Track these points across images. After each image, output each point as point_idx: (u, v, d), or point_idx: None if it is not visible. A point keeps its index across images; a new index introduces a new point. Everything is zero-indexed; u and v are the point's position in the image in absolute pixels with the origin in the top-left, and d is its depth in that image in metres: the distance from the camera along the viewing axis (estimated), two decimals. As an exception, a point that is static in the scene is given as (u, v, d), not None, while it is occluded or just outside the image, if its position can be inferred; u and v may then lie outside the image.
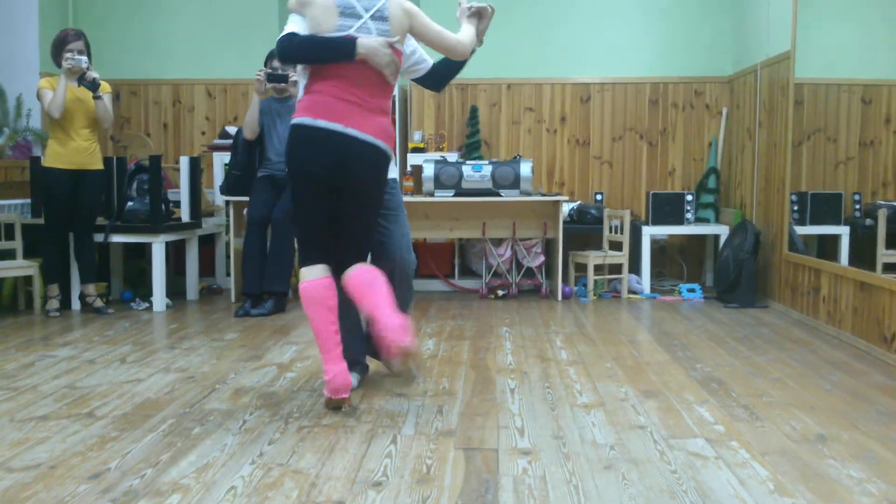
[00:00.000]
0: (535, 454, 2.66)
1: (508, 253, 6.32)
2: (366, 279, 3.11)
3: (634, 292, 6.30)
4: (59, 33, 5.20)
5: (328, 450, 2.70)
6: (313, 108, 3.16)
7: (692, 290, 6.16)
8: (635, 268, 6.45)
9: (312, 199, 3.18)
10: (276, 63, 5.45)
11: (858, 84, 4.64)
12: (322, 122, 3.12)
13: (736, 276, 5.77)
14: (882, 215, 4.25)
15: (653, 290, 6.43)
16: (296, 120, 3.20)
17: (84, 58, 5.10)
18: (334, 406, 3.15)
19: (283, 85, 5.43)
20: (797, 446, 2.75)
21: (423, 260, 6.64)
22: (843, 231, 4.77)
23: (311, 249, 3.22)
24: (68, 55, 5.07)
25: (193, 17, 7.19)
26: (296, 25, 3.19)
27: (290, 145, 3.21)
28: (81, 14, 7.15)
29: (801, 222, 5.29)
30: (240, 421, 3.02)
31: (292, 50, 3.15)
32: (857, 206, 4.56)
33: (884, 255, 4.27)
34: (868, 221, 4.42)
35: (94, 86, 5.11)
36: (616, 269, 6.29)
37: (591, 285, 6.08)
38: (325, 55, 3.14)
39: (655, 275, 6.86)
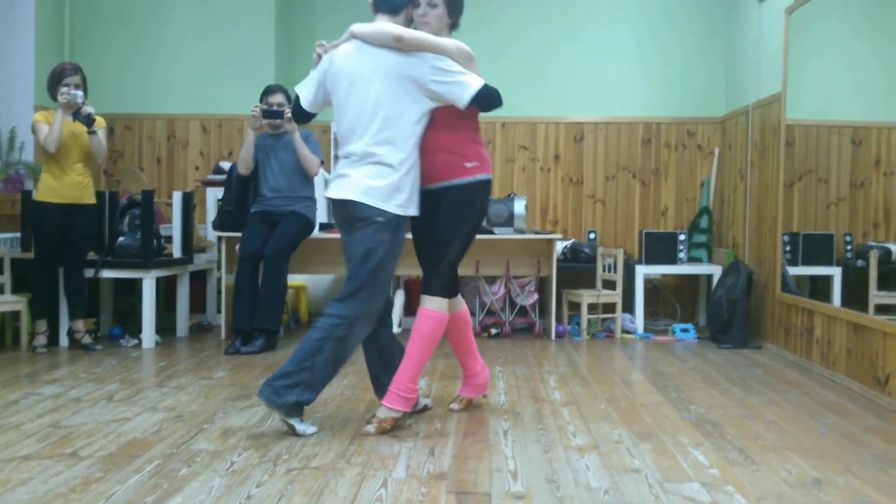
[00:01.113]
0: (528, 498, 2.62)
1: (502, 291, 6.30)
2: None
3: (628, 332, 6.27)
4: (55, 67, 5.21)
5: (317, 493, 2.65)
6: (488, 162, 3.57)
7: (685, 330, 6.14)
8: (629, 307, 6.43)
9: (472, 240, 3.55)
10: (272, 99, 5.47)
11: (848, 126, 4.67)
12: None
13: (729, 317, 5.75)
14: (873, 256, 4.25)
15: (646, 329, 6.41)
16: (489, 176, 3.54)
17: (80, 92, 5.10)
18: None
19: (278, 121, 5.44)
20: (793, 491, 2.72)
21: (416, 297, 6.61)
22: (836, 272, 4.77)
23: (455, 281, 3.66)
24: (64, 90, 5.07)
25: (189, 52, 7.21)
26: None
27: (486, 196, 3.54)
28: (77, 47, 7.17)
29: (794, 263, 5.29)
30: (227, 462, 2.97)
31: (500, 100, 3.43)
32: (849, 247, 4.57)
33: (876, 296, 4.26)
34: (860, 262, 4.42)
35: (88, 121, 5.11)
36: (610, 308, 6.27)
37: (584, 324, 6.05)
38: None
39: (649, 314, 6.84)
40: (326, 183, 6.98)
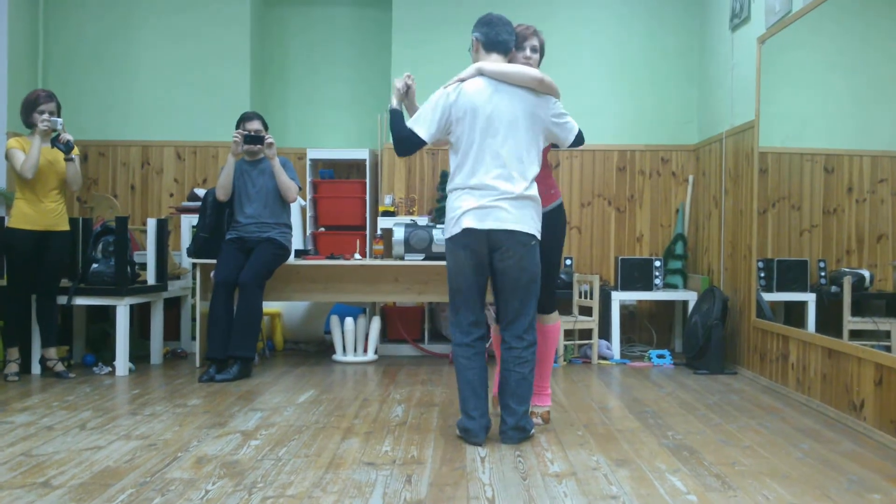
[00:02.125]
0: (506, 526, 2.60)
1: (478, 317, 6.28)
2: None
3: (604, 358, 6.28)
4: (29, 94, 5.18)
5: (293, 521, 2.62)
6: None
7: (662, 356, 6.15)
8: (605, 333, 6.45)
9: None
10: (249, 125, 5.47)
11: (821, 153, 4.73)
12: None
13: (705, 343, 5.78)
14: (847, 283, 4.29)
15: (623, 355, 6.42)
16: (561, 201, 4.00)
17: (60, 119, 5.08)
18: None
19: (258, 147, 5.44)
20: (771, 517, 2.72)
21: (392, 324, 6.59)
22: (810, 298, 4.80)
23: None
24: (45, 116, 5.04)
25: (164, 79, 7.20)
26: None
27: (565, 222, 4.06)
28: (51, 73, 7.14)
29: (769, 289, 5.33)
30: (202, 491, 2.93)
31: None
32: (823, 273, 4.61)
33: (850, 321, 4.29)
34: (834, 288, 4.46)
35: (67, 148, 5.08)
36: (586, 334, 6.28)
37: (561, 350, 6.05)
38: None
39: (625, 340, 6.86)
40: (303, 210, 6.99)
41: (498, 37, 3.70)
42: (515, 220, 3.58)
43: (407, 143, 3.68)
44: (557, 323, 4.10)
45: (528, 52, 3.82)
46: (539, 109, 3.65)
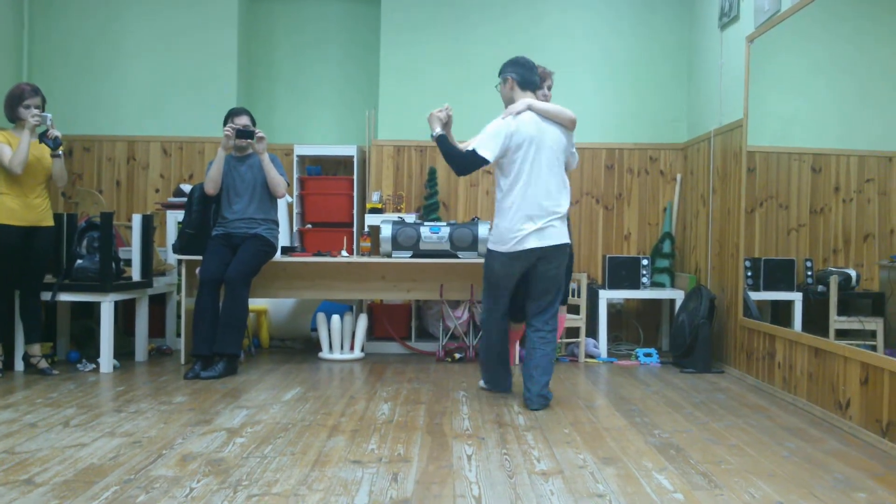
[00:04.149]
0: (492, 524, 2.59)
1: (466, 315, 6.29)
2: None
3: (591, 356, 6.28)
4: (13, 88, 5.13)
5: (278, 520, 2.60)
6: None
7: (648, 355, 6.16)
8: (592, 331, 6.45)
9: None
10: (238, 120, 5.44)
11: (808, 153, 4.74)
12: None
13: (692, 341, 5.79)
14: (833, 282, 4.29)
15: (610, 354, 6.43)
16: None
17: (49, 115, 5.04)
18: None
19: (249, 141, 5.42)
20: (757, 516, 2.71)
21: (379, 322, 6.57)
22: (797, 297, 4.81)
23: None
24: (35, 111, 4.99)
25: (150, 74, 7.16)
26: None
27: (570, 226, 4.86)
28: (36, 67, 7.09)
29: (756, 288, 5.34)
30: (186, 489, 2.90)
31: None
32: (809, 273, 4.61)
33: (836, 321, 4.30)
34: (820, 288, 4.47)
35: (55, 143, 5.04)
36: (573, 332, 6.28)
37: (547, 349, 6.04)
38: None
39: (612, 339, 6.87)
40: (290, 206, 6.96)
41: (531, 78, 4.52)
42: (561, 235, 4.42)
43: (471, 162, 4.38)
44: (564, 315, 4.98)
45: (545, 91, 4.79)
46: (567, 142, 4.51)
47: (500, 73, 4.59)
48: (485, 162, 4.37)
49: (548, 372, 4.43)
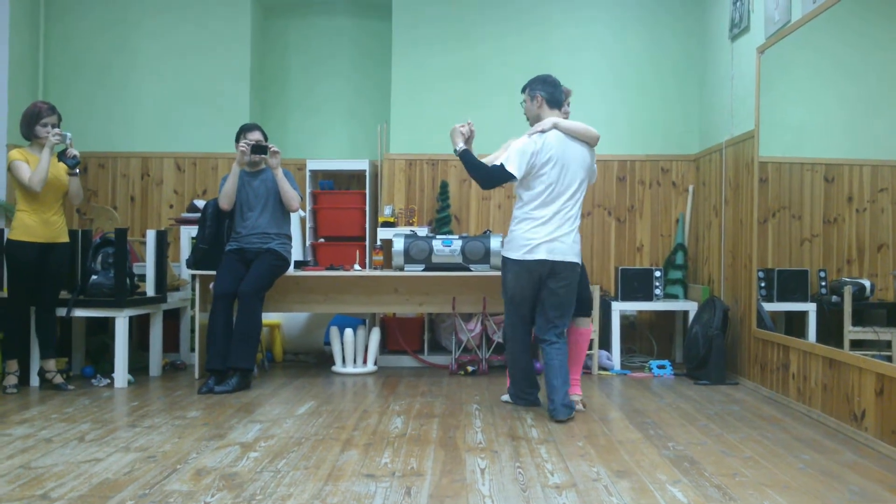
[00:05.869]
0: (506, 538, 2.59)
1: (478, 328, 6.28)
2: None
3: (605, 368, 6.27)
4: (30, 106, 5.17)
5: (292, 534, 2.61)
6: None
7: (662, 367, 6.14)
8: (605, 343, 6.43)
9: None
10: (251, 136, 5.49)
11: (821, 163, 4.72)
12: None
13: (705, 353, 5.76)
14: (848, 292, 4.28)
15: (623, 366, 6.41)
16: None
17: (69, 133, 5.10)
18: None
19: (263, 157, 5.46)
20: (772, 528, 2.70)
21: (391, 335, 6.58)
22: (811, 308, 4.79)
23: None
24: (55, 130, 5.05)
25: (163, 90, 7.22)
26: None
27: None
28: (51, 85, 7.16)
29: (769, 299, 5.32)
30: (201, 503, 2.91)
31: None
32: (823, 283, 4.60)
33: (851, 331, 4.28)
34: (834, 298, 4.45)
35: (74, 162, 5.09)
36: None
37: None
38: None
39: (625, 351, 6.85)
40: (302, 221, 6.98)
41: (559, 97, 4.65)
42: (574, 253, 4.52)
43: (499, 177, 4.51)
44: (590, 327, 4.97)
45: (566, 108, 4.78)
46: (591, 160, 4.62)
47: (525, 90, 4.70)
48: (512, 178, 4.48)
49: (566, 381, 4.51)
